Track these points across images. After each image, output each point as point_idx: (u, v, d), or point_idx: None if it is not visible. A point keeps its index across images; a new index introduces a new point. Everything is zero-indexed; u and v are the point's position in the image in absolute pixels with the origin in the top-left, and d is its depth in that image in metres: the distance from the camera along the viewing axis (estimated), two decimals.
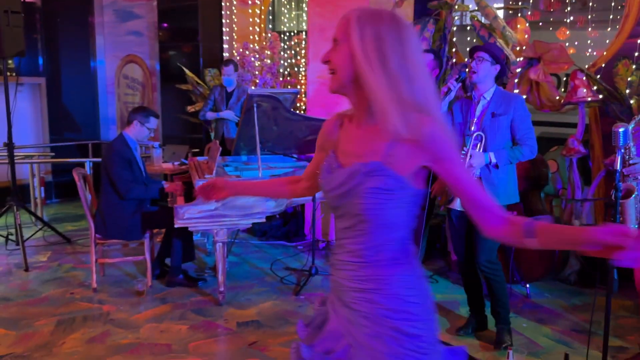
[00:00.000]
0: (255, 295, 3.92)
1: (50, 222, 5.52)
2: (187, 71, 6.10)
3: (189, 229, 3.69)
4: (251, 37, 6.36)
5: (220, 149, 3.98)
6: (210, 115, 5.40)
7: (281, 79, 6.20)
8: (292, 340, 3.10)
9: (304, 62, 6.01)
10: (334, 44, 1.31)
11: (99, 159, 5.94)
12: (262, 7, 6.49)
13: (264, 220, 3.85)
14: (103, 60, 7.75)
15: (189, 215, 3.57)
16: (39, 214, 5.80)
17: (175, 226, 3.60)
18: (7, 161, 5.12)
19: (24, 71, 6.80)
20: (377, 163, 1.28)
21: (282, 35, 6.53)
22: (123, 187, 3.76)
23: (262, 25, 6.51)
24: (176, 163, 5.31)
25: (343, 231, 1.38)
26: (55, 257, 4.80)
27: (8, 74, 5.10)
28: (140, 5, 7.23)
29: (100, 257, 4.07)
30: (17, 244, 4.80)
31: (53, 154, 6.85)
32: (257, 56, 6.05)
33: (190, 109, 6.14)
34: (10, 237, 5.09)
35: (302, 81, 6.08)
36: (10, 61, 6.42)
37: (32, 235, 5.30)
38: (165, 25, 6.63)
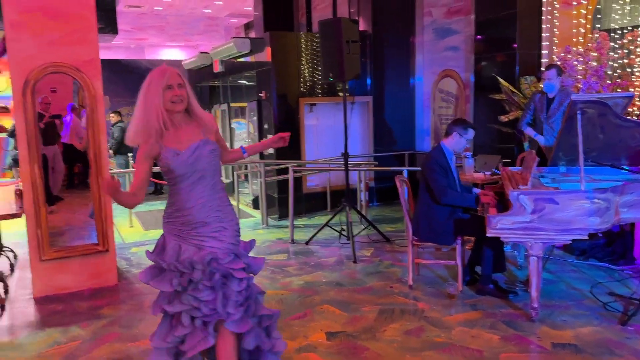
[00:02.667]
0: (572, 317, 3.63)
1: (372, 222, 6.25)
2: (501, 80, 6.06)
3: (501, 239, 3.67)
4: (574, 39, 5.90)
5: (538, 159, 3.83)
6: (528, 130, 5.28)
7: (609, 81, 5.56)
8: None
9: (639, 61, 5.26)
10: (180, 85, 2.34)
11: (415, 168, 6.46)
12: (589, 6, 5.95)
13: (585, 237, 3.54)
14: (421, 76, 8.38)
15: (502, 226, 3.55)
16: (363, 214, 6.64)
17: (487, 235, 3.63)
18: (343, 168, 6.05)
19: (356, 91, 7.92)
20: (205, 138, 2.41)
21: (612, 34, 5.85)
22: (439, 191, 4.00)
23: (588, 26, 5.97)
24: (487, 173, 5.34)
25: (210, 191, 2.40)
26: (377, 253, 5.44)
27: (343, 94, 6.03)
28: (458, 21, 7.53)
29: (416, 258, 4.41)
30: (348, 239, 5.64)
31: (376, 162, 7.74)
32: (581, 59, 5.58)
33: (503, 118, 6.08)
34: (342, 232, 6.00)
35: (636, 83, 5.32)
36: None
37: (359, 232, 6.13)
38: (481, 37, 6.72)
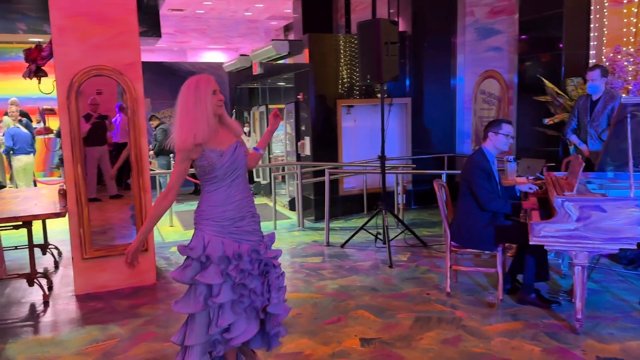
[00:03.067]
0: (619, 330, 3.46)
1: (409, 226, 6.15)
2: (546, 82, 5.86)
3: (545, 247, 3.53)
4: (624, 39, 5.64)
5: (584, 164, 3.67)
6: (574, 138, 5.08)
7: None
8: None
9: None
10: (220, 91, 2.50)
11: (454, 171, 6.31)
12: None
13: (633, 246, 3.36)
14: (462, 77, 8.20)
15: (546, 234, 3.41)
16: (400, 218, 6.54)
17: (530, 243, 3.49)
18: (379, 171, 5.97)
19: (395, 93, 7.81)
20: (237, 141, 2.55)
21: None
22: (484, 197, 3.89)
23: (639, 25, 5.69)
24: (531, 177, 5.15)
25: (243, 189, 2.55)
26: (413, 258, 5.34)
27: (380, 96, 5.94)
28: (501, 21, 7.33)
29: (454, 264, 4.30)
30: (384, 243, 5.56)
31: (414, 165, 7.63)
32: (632, 59, 5.32)
33: (548, 121, 5.86)
34: (378, 236, 5.92)
35: None
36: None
37: (395, 236, 6.04)
38: (526, 37, 6.52)
